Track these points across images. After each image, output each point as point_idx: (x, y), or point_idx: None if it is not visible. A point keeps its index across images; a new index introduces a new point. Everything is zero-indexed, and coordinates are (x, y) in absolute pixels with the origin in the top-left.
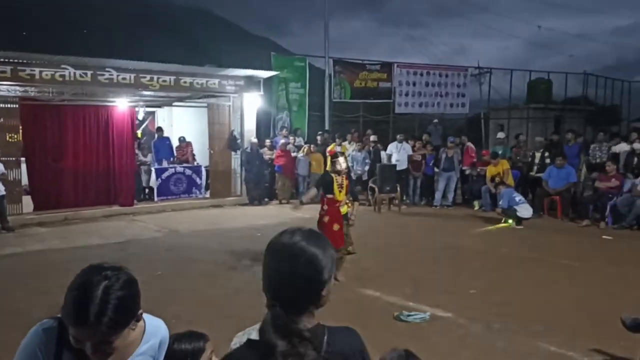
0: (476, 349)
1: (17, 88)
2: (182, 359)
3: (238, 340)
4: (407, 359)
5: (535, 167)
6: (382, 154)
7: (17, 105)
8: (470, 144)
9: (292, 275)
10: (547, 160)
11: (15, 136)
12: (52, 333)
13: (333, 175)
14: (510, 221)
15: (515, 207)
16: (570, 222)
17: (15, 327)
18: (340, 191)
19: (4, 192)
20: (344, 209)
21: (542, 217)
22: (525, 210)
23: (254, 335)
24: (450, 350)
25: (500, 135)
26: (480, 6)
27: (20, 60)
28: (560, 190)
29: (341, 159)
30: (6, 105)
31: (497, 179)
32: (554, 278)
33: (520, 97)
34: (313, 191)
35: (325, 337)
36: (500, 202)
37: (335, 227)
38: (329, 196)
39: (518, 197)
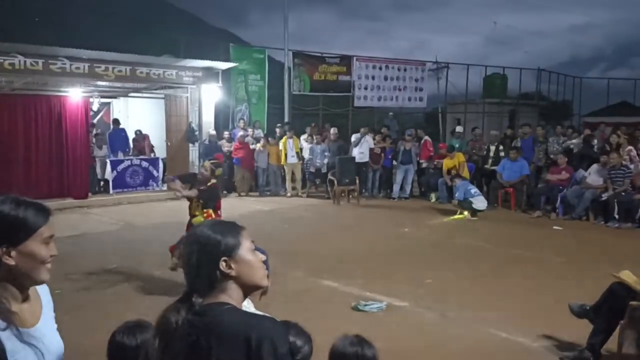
0: (431, 337)
1: None
2: (121, 351)
3: None
4: (358, 345)
5: (490, 160)
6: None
7: None
8: (428, 138)
9: (187, 255)
10: (502, 154)
11: None
12: None
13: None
14: (465, 213)
15: (470, 199)
16: (523, 213)
17: None
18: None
19: None
20: (197, 219)
21: (496, 209)
22: (480, 202)
23: None
24: (406, 338)
25: (459, 129)
26: (439, 1)
27: None
28: (513, 183)
29: (206, 165)
30: None
31: (453, 172)
32: (507, 267)
33: (477, 92)
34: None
35: (211, 313)
36: (456, 195)
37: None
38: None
39: (473, 190)
